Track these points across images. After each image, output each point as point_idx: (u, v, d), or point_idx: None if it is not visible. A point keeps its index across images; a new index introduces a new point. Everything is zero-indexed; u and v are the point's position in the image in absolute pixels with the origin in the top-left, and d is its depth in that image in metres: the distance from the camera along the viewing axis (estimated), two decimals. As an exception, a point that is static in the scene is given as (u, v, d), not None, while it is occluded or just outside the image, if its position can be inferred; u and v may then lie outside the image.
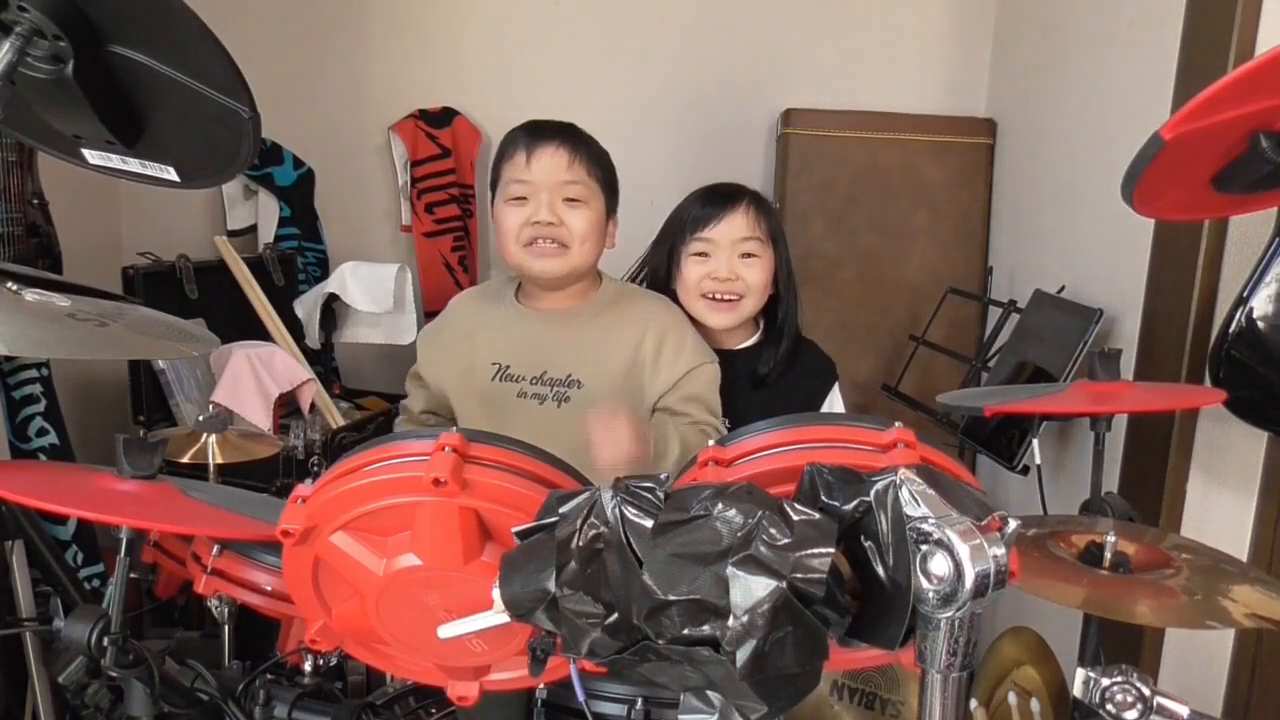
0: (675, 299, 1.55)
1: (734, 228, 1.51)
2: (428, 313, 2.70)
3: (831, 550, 0.62)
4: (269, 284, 2.54)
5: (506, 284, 1.51)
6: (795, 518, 0.64)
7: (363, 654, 0.90)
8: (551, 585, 0.66)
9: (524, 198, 1.39)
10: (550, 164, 1.39)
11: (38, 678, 1.62)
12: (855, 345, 2.56)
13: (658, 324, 1.44)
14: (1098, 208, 2.00)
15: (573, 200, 1.39)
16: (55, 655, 1.27)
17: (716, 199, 1.55)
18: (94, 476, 1.07)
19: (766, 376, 1.56)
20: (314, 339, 2.55)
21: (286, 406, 2.29)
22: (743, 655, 0.61)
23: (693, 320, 1.55)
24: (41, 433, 1.96)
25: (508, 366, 1.43)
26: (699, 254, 1.52)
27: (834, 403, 1.59)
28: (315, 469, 2.14)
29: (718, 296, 1.51)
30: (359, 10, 2.82)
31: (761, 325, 1.60)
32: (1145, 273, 1.76)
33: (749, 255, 1.51)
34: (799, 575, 0.61)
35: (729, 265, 1.50)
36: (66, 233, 2.13)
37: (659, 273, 1.58)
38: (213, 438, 1.73)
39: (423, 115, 2.80)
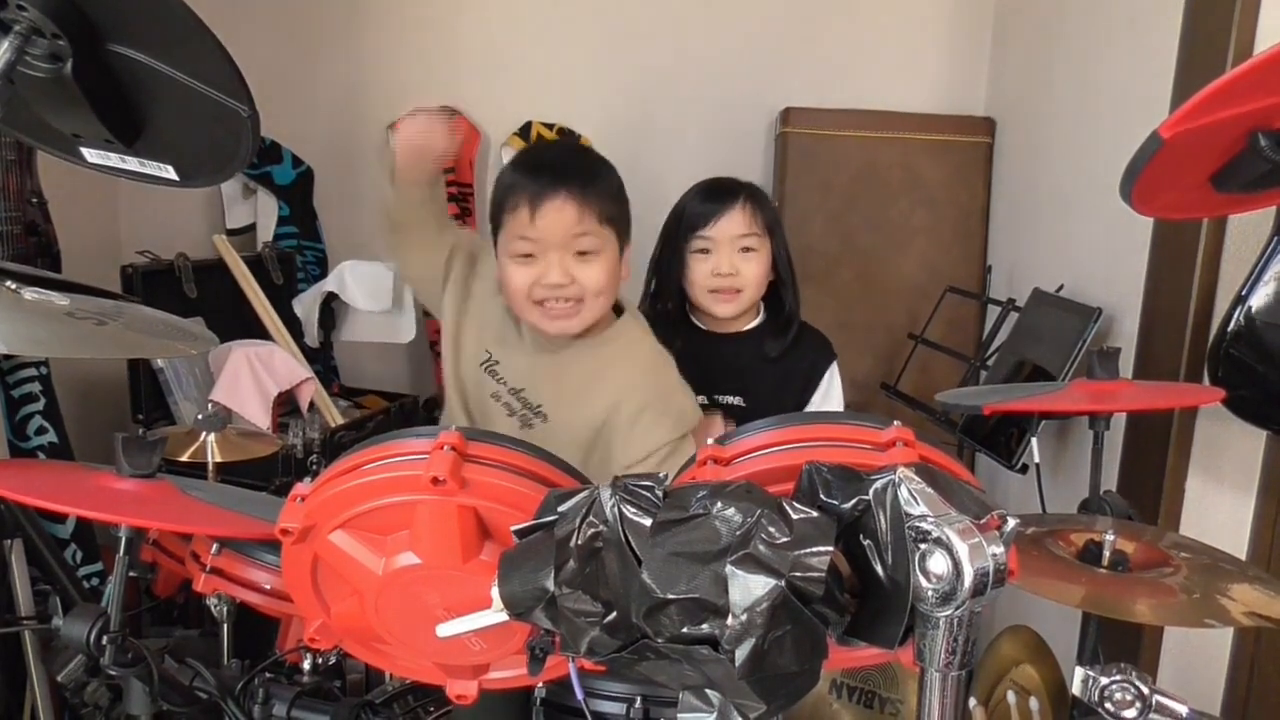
0: (684, 294, 1.66)
1: (732, 224, 1.61)
2: (426, 312, 2.70)
3: (830, 549, 0.62)
4: (268, 283, 2.53)
5: None
6: (794, 516, 0.64)
7: (361, 652, 0.90)
8: (550, 584, 0.66)
9: (531, 254, 1.30)
10: (558, 219, 1.27)
11: (37, 676, 1.62)
12: (854, 344, 2.55)
13: (641, 393, 1.35)
14: (1096, 206, 1.99)
15: (584, 253, 1.30)
16: (54, 654, 1.27)
17: (715, 196, 1.64)
18: (93, 475, 1.07)
19: (776, 358, 1.65)
20: (313, 337, 2.55)
21: (285, 405, 2.28)
22: (741, 654, 0.61)
23: (700, 310, 1.65)
24: (40, 431, 1.96)
25: (497, 363, 1.40)
26: (701, 250, 1.62)
27: (833, 379, 1.68)
28: (314, 467, 2.14)
29: (721, 290, 1.62)
30: (359, 10, 2.81)
31: (763, 308, 1.70)
32: (1144, 271, 1.76)
33: (748, 250, 1.61)
34: (798, 574, 0.61)
35: (729, 261, 1.61)
36: (65, 231, 2.12)
37: (669, 270, 1.66)
38: (212, 436, 1.73)
39: (422, 114, 2.79)
